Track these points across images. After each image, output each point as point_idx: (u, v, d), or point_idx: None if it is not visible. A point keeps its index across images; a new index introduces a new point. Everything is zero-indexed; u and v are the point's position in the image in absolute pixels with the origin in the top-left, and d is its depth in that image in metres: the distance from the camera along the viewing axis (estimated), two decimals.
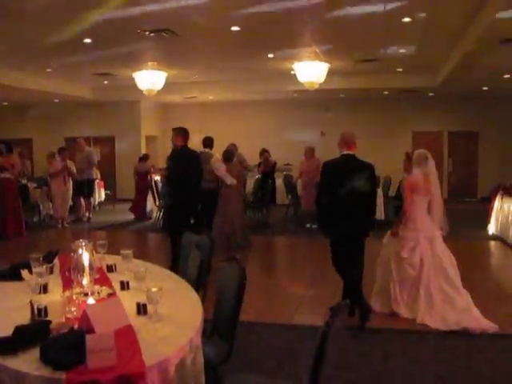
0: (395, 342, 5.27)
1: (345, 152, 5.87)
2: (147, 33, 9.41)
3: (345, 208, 5.65)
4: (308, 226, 12.06)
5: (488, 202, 11.98)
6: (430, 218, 6.30)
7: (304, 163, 12.48)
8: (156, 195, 13.03)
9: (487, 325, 5.55)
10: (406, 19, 8.64)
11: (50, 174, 12.69)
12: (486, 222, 11.61)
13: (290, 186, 13.80)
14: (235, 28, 9.19)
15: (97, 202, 15.41)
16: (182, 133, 7.85)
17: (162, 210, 12.67)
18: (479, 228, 11.72)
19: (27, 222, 12.31)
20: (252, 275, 8.03)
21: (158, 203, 12.96)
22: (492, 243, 10.60)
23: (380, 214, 12.16)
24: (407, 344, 5.23)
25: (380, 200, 12.22)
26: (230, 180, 9.69)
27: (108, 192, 16.49)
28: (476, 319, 5.66)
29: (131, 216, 14.13)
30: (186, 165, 7.67)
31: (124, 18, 8.50)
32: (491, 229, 11.37)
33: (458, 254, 9.80)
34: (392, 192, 13.57)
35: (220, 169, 9.72)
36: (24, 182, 12.89)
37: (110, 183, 17.20)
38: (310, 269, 8.79)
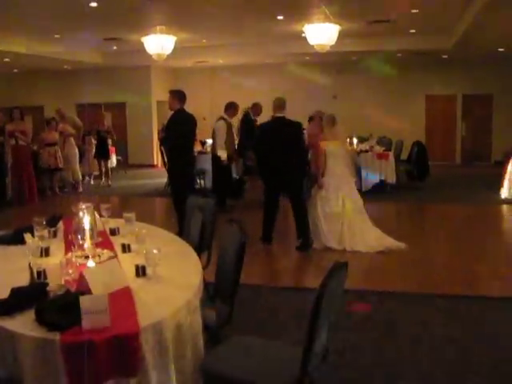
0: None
1: (277, 114, 7.43)
2: None
3: (278, 159, 7.17)
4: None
5: (501, 165, 11.84)
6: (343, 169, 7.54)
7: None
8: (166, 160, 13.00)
9: (397, 244, 7.28)
10: None
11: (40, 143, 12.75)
12: (499, 186, 11.49)
13: None
14: None
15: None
16: (178, 95, 7.72)
17: None
18: (492, 192, 11.61)
19: (41, 188, 12.44)
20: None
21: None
22: (504, 207, 10.51)
23: (392, 177, 12.07)
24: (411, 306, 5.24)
25: (391, 163, 12.11)
26: None
27: (120, 158, 16.50)
28: (390, 241, 7.34)
29: (145, 181, 14.41)
30: (182, 128, 7.63)
31: None
32: (504, 193, 11.25)
33: (469, 218, 9.88)
34: (404, 156, 13.46)
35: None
36: (35, 148, 12.92)
37: (121, 149, 17.19)
38: None
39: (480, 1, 9.37)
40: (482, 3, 9.25)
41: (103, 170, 14.20)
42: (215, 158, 10.00)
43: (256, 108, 11.35)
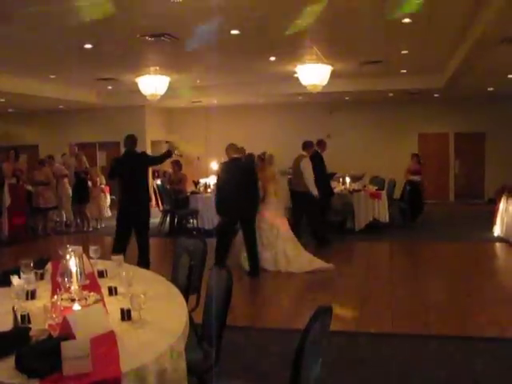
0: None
1: (234, 156, 8.34)
2: (147, 37, 9.41)
3: (235, 197, 8.02)
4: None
5: (494, 203, 11.90)
6: (277, 201, 8.91)
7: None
8: (160, 199, 13.01)
9: (326, 265, 8.56)
10: (406, 20, 8.58)
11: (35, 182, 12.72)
12: (492, 223, 11.53)
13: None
14: (235, 31, 9.17)
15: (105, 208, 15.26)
16: (124, 141, 8.47)
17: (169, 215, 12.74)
18: (485, 230, 11.64)
19: (33, 228, 12.45)
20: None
21: (161, 208, 12.94)
22: (497, 245, 10.52)
23: (384, 216, 12.10)
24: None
25: (384, 202, 12.15)
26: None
27: (114, 197, 16.47)
28: (319, 263, 8.62)
29: None
30: (122, 167, 8.21)
31: (123, 22, 8.49)
32: (496, 231, 11.28)
33: (462, 256, 9.88)
34: (397, 195, 13.51)
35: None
36: (29, 188, 12.94)
37: (116, 188, 17.16)
38: (311, 273, 8.75)
39: (468, 43, 9.55)
40: (469, 45, 9.43)
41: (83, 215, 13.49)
42: (305, 197, 10.23)
43: (323, 144, 11.61)
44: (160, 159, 8.74)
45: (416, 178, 13.36)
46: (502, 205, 11.11)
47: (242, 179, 8.19)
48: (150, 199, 8.80)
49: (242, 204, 8.17)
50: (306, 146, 10.81)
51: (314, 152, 10.95)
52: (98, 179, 13.87)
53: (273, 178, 8.91)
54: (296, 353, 2.42)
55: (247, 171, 8.46)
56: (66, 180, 13.26)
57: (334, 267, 8.56)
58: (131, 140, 8.31)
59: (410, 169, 13.62)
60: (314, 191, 10.13)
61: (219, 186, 8.55)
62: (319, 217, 10.87)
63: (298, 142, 17.33)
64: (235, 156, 8.40)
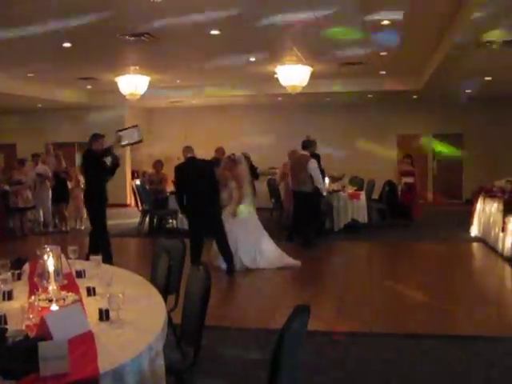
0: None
1: (189, 155, 8.51)
2: (127, 37, 9.38)
3: (195, 195, 8.30)
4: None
5: (471, 204, 12.02)
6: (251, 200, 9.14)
7: (287, 166, 12.34)
8: (139, 200, 12.96)
9: (294, 262, 8.81)
10: (385, 22, 8.65)
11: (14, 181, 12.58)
12: (469, 224, 11.66)
13: (273, 189, 13.78)
14: (214, 32, 9.18)
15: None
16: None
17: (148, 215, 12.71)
18: (462, 230, 11.77)
19: (10, 228, 12.34)
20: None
21: (140, 208, 12.89)
22: (474, 245, 10.63)
23: (363, 217, 12.16)
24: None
25: (363, 203, 12.22)
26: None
27: None
28: (289, 259, 8.86)
29: (117, 221, 14.18)
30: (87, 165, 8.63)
31: (102, 21, 8.45)
32: (473, 231, 11.41)
33: (440, 255, 9.98)
34: (375, 195, 13.58)
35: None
36: (6, 187, 12.81)
37: None
38: (290, 274, 8.79)
39: (445, 46, 9.65)
40: (447, 48, 9.53)
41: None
42: (310, 197, 10.34)
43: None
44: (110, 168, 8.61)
45: (409, 179, 13.11)
46: (478, 205, 11.25)
47: (199, 178, 8.29)
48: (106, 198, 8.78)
49: (200, 202, 8.30)
50: (309, 145, 10.84)
51: (311, 152, 10.95)
52: (80, 179, 13.77)
53: (246, 177, 9.07)
54: (273, 353, 2.43)
55: (203, 170, 8.49)
56: (47, 181, 13.12)
57: (301, 264, 8.80)
58: (91, 139, 8.62)
59: (402, 170, 13.34)
60: (324, 191, 10.49)
61: (177, 186, 8.79)
62: (318, 217, 11.07)
63: (278, 142, 17.57)
64: (190, 156, 8.52)
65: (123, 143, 8.21)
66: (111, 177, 8.77)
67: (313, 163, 10.37)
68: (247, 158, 10.04)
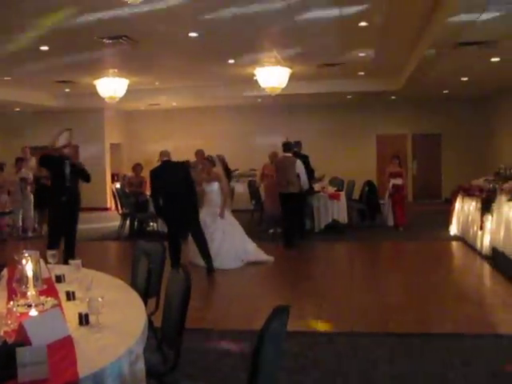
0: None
1: (165, 159, 8.62)
2: (105, 40, 9.34)
3: (171, 198, 8.39)
4: (271, 231, 12.01)
5: (450, 203, 12.13)
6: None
7: (268, 167, 12.40)
8: (119, 203, 12.88)
9: (268, 257, 9.19)
10: (363, 23, 8.70)
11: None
12: (449, 223, 11.77)
13: (254, 191, 13.79)
14: (193, 34, 9.17)
15: None
16: None
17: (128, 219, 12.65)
18: (441, 229, 11.88)
19: None
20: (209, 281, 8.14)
21: (120, 211, 12.82)
22: (453, 244, 10.73)
23: (343, 217, 12.21)
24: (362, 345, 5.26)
25: (343, 203, 12.27)
26: None
27: None
28: (263, 255, 9.20)
29: (98, 225, 14.11)
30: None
31: (80, 24, 8.40)
32: (453, 229, 11.52)
33: (420, 254, 10.05)
34: (355, 195, 13.65)
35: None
36: None
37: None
38: (272, 275, 8.81)
39: (423, 46, 9.74)
40: (425, 49, 9.62)
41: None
42: (298, 197, 10.53)
43: (300, 145, 11.95)
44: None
45: (397, 181, 12.61)
46: (457, 204, 11.35)
47: (174, 180, 8.44)
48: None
49: (176, 204, 8.40)
50: (291, 147, 10.95)
51: (294, 153, 11.03)
52: None
53: (224, 178, 9.38)
54: (253, 353, 2.44)
55: (178, 172, 8.66)
56: (28, 186, 12.98)
57: (273, 259, 9.18)
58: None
59: (390, 172, 12.77)
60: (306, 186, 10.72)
61: (152, 189, 8.87)
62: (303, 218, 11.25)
63: (258, 144, 17.58)
64: (166, 159, 8.65)
65: (56, 147, 8.40)
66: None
67: (300, 164, 10.51)
68: (222, 160, 10.17)
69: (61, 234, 8.23)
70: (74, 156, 9.39)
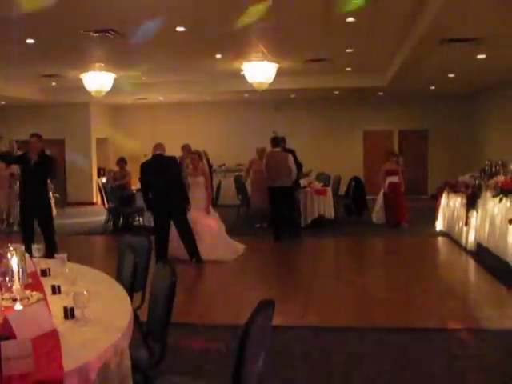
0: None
1: (157, 153, 8.69)
2: (91, 33, 9.27)
3: (160, 191, 8.51)
4: (258, 225, 12.05)
5: (437, 199, 12.20)
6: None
7: (256, 162, 12.41)
8: (105, 197, 12.83)
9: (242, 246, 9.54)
10: (350, 19, 8.71)
11: None
12: (434, 218, 11.84)
13: (240, 186, 13.79)
14: (180, 28, 9.13)
15: None
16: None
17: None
18: (428, 225, 11.94)
19: None
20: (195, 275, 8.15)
21: (106, 206, 12.76)
22: (439, 239, 10.80)
23: (330, 213, 12.24)
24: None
25: (329, 199, 12.30)
26: None
27: (57, 195, 16.15)
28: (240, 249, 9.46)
29: (84, 219, 14.03)
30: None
31: (66, 17, 8.34)
32: (439, 225, 11.59)
33: (406, 250, 10.11)
34: (342, 191, 13.69)
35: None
36: None
37: (60, 186, 16.87)
38: (258, 269, 8.83)
39: (410, 43, 9.77)
40: (411, 45, 9.65)
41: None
42: (289, 191, 10.65)
43: (284, 141, 11.87)
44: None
45: (394, 179, 12.42)
46: (443, 200, 11.43)
47: (163, 174, 8.53)
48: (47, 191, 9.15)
49: (164, 198, 8.54)
50: (279, 142, 11.04)
51: (282, 148, 11.15)
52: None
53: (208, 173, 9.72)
54: (238, 347, 2.45)
55: (167, 166, 8.72)
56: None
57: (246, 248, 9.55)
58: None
59: (386, 169, 12.54)
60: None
61: (142, 182, 8.90)
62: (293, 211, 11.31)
63: (245, 139, 17.56)
64: (158, 153, 8.73)
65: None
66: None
67: (291, 158, 10.62)
68: (205, 155, 10.29)
69: (30, 232, 8.56)
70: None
